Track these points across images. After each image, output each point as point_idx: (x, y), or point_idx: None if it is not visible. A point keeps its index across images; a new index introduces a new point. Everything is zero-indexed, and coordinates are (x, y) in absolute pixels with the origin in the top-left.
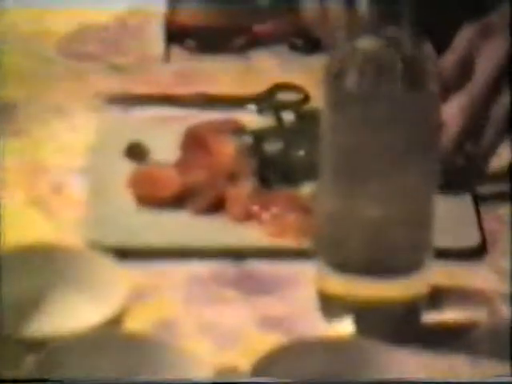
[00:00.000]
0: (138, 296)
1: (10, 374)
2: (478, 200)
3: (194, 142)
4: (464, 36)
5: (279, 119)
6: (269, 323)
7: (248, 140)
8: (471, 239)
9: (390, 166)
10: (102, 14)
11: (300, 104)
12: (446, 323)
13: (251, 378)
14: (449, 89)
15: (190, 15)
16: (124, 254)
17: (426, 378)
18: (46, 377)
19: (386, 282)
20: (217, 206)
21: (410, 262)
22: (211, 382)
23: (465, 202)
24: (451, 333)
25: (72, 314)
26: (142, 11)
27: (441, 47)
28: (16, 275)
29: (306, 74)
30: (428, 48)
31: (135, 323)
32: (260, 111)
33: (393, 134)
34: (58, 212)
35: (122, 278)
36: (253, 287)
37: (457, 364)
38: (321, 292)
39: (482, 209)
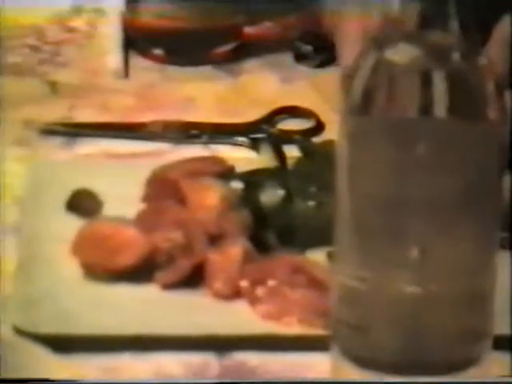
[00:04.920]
0: None
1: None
2: None
3: (163, 190)
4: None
5: (280, 157)
6: None
7: (238, 186)
8: None
9: (434, 224)
10: (36, 14)
11: (309, 136)
12: None
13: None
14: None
15: (156, 14)
16: (66, 345)
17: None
18: None
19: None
20: (194, 279)
21: (461, 355)
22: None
23: None
24: None
25: None
26: (90, 9)
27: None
28: None
29: (317, 94)
30: (485, 61)
31: None
32: (254, 146)
33: (438, 180)
34: None
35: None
36: None
37: None
38: None
39: None
